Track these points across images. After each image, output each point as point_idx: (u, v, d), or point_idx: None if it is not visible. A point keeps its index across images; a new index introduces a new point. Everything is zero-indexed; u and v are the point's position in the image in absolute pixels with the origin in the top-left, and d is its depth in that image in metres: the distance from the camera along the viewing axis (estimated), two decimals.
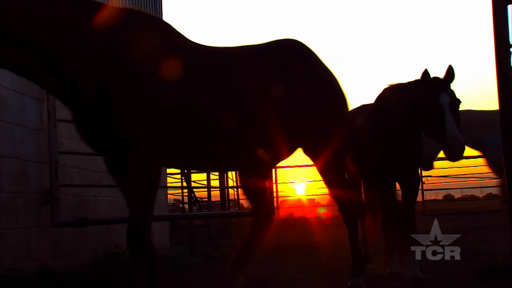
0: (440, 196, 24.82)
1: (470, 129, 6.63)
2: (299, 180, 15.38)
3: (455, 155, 3.67)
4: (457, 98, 3.82)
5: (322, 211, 16.42)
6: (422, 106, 3.87)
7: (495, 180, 12.47)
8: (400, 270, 4.25)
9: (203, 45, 3.29)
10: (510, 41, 3.90)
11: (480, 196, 19.79)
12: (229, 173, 12.53)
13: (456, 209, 14.47)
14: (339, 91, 3.72)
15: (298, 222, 12.27)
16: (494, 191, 14.98)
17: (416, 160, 4.34)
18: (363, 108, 5.06)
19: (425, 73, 3.87)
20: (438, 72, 4.17)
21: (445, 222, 6.26)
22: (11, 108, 3.88)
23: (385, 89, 4.42)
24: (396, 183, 4.36)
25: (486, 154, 7.48)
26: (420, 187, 4.69)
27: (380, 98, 4.45)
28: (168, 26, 3.12)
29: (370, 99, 5.67)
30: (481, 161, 11.11)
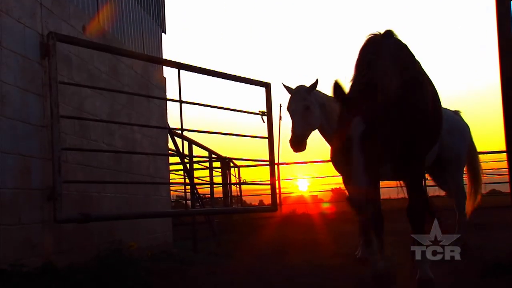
0: (443, 192, 24.72)
1: None
2: (302, 177, 15.37)
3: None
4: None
5: (325, 206, 16.45)
6: None
7: (498, 176, 12.45)
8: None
9: None
10: None
11: (483, 192, 19.72)
12: (232, 169, 12.55)
13: None
14: None
15: (300, 219, 12.29)
16: (497, 187, 14.95)
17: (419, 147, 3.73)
18: None
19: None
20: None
21: (448, 218, 6.25)
22: (14, 104, 3.88)
23: None
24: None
25: None
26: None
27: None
28: None
29: None
30: (484, 157, 11.11)
